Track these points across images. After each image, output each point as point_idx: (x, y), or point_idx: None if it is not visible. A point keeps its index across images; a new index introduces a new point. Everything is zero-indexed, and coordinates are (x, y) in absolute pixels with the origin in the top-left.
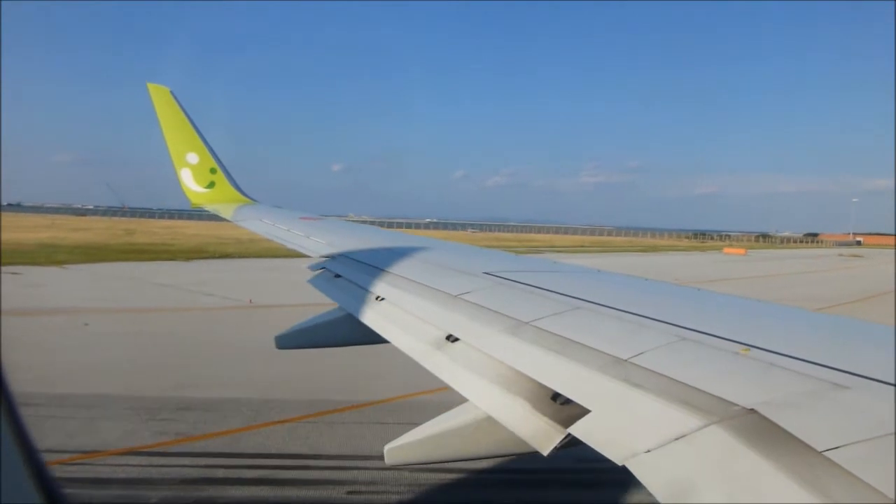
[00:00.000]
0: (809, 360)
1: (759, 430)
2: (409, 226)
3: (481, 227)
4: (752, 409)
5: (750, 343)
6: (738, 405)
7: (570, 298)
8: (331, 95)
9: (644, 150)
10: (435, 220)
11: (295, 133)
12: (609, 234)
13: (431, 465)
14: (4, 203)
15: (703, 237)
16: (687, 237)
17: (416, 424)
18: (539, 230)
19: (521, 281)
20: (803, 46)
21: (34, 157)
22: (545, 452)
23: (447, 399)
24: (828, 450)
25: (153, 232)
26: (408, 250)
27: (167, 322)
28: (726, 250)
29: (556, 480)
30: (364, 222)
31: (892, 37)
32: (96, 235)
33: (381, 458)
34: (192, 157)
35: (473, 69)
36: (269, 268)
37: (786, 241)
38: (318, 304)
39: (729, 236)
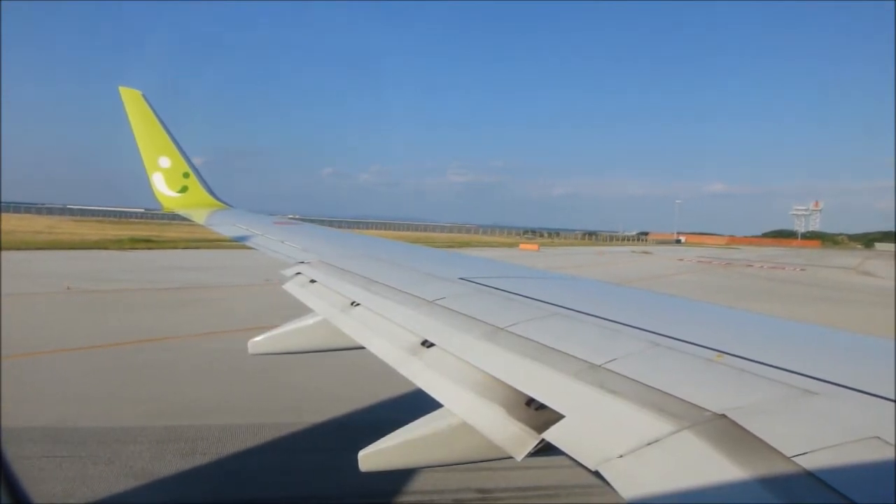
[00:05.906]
0: (781, 366)
1: (730, 435)
2: None
3: (349, 225)
4: (722, 415)
5: (723, 349)
6: (709, 411)
7: (547, 304)
8: (197, 86)
9: (507, 150)
10: (300, 217)
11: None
12: (469, 231)
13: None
14: None
15: (532, 234)
16: (517, 234)
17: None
18: (375, 226)
19: (497, 287)
20: (647, 52)
21: None
22: (519, 458)
23: None
24: (796, 455)
25: None
26: (384, 255)
27: None
28: (521, 246)
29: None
30: None
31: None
32: None
33: None
34: (165, 161)
35: (334, 66)
36: None
37: (612, 239)
38: None
39: (558, 234)
